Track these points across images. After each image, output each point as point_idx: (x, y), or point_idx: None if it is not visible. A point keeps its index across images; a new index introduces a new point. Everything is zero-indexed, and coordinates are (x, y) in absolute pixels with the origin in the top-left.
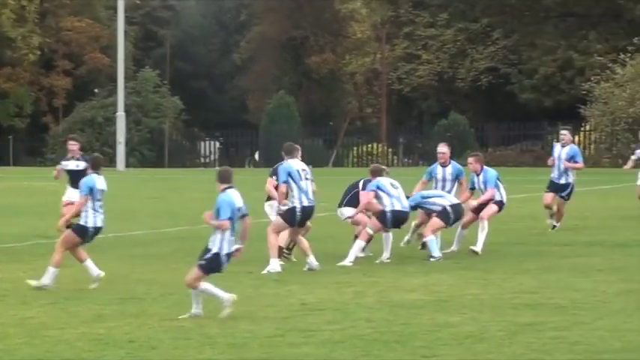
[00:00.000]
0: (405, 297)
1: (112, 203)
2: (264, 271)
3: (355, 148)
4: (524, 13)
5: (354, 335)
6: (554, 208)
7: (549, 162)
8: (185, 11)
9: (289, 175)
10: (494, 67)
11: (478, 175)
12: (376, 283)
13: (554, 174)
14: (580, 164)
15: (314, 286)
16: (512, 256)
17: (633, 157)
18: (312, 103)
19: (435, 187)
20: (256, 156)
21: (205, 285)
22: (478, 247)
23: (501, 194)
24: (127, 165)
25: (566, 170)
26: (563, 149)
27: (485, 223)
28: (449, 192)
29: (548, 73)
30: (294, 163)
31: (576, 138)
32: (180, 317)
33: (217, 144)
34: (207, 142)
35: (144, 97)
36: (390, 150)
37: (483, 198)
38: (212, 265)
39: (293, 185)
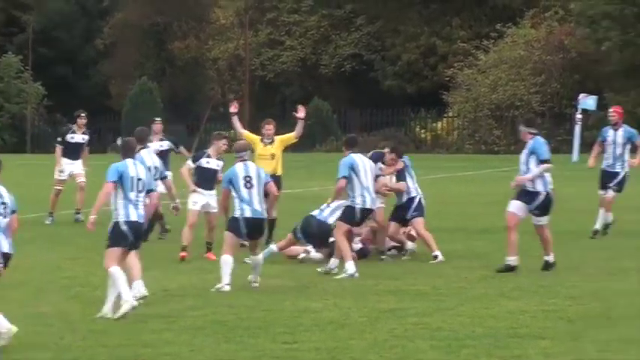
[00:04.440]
0: (267, 283)
1: None
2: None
3: None
4: (388, 0)
5: (215, 321)
6: None
7: None
8: None
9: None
10: (358, 54)
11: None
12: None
13: None
14: None
15: (175, 272)
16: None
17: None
18: (175, 89)
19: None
20: (118, 141)
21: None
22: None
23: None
24: None
25: None
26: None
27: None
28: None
29: (412, 59)
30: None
31: (439, 124)
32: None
33: None
34: None
35: (6, 82)
36: None
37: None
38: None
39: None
